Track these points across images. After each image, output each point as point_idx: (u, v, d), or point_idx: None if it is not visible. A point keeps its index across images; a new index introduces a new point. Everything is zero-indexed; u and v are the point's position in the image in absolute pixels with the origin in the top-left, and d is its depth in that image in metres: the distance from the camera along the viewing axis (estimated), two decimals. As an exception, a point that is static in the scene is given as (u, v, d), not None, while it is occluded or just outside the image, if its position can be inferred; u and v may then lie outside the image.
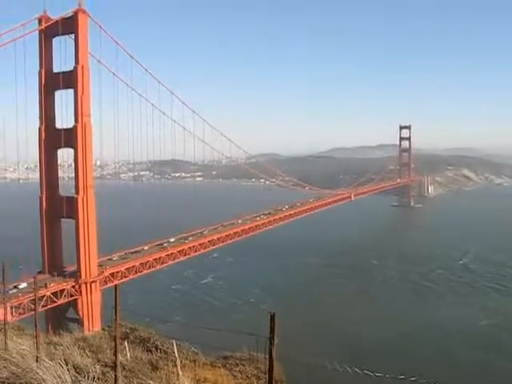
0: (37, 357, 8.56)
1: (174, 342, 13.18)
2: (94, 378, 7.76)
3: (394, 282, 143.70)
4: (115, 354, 7.86)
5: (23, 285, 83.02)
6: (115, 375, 8.02)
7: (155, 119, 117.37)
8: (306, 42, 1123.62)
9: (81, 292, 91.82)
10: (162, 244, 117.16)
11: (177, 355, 12.31)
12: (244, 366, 15.90)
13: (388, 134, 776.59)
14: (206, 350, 16.76)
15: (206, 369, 14.73)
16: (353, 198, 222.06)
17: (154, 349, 14.05)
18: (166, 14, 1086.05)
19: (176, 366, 12.20)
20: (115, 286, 7.38)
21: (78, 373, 7.87)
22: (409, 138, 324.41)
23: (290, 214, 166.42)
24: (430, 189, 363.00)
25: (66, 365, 7.93)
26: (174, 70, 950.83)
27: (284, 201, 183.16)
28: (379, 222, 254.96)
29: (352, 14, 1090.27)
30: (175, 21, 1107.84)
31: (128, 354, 11.99)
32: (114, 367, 8.13)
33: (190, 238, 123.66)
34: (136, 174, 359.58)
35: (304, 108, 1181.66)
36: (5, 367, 7.86)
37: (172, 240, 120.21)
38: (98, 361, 10.45)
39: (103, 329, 14.03)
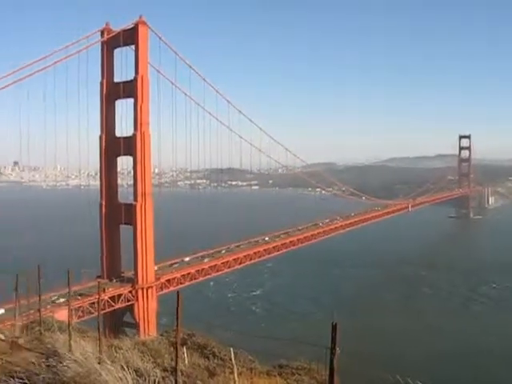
0: (99, 358, 8.73)
1: (231, 349, 13.19)
2: (154, 381, 7.87)
3: (450, 295, 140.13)
4: (176, 360, 7.91)
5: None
6: (175, 380, 8.09)
7: (212, 128, 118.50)
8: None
9: (137, 297, 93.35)
10: (219, 251, 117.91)
11: (234, 362, 12.31)
12: (300, 375, 15.76)
13: (447, 143, 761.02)
14: (262, 358, 16.72)
15: (262, 377, 14.68)
16: (410, 209, 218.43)
17: (211, 355, 14.13)
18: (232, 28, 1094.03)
19: (233, 373, 12.22)
20: (177, 292, 7.45)
21: (138, 376, 8.01)
22: (469, 148, 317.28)
23: (346, 224, 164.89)
24: (491, 200, 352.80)
25: (127, 368, 8.07)
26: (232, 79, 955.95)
27: (340, 211, 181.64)
28: (436, 233, 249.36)
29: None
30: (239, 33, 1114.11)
31: (186, 360, 12.09)
32: (175, 372, 8.20)
33: (244, 247, 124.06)
34: (193, 182, 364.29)
35: (361, 115, 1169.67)
36: (69, 367, 8.05)
37: (224, 250, 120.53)
38: (157, 365, 10.55)
39: (161, 334, 14.20)
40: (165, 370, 9.94)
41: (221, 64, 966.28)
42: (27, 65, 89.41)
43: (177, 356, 7.82)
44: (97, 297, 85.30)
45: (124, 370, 7.86)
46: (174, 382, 8.16)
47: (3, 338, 12.17)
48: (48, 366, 8.57)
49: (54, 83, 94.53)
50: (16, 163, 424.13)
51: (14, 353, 10.14)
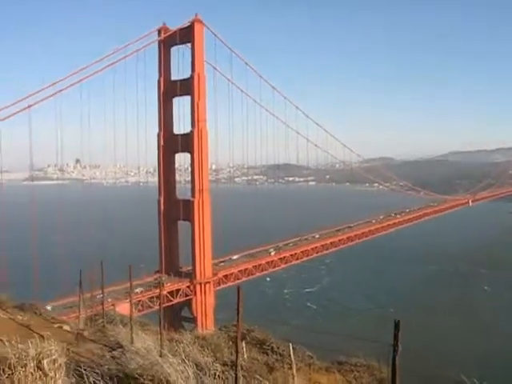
0: (160, 351, 8.89)
1: (290, 345, 13.17)
2: (214, 375, 7.96)
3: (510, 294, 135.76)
4: (236, 354, 7.97)
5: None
6: (236, 374, 8.15)
7: (269, 124, 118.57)
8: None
9: (195, 292, 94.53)
10: (277, 247, 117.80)
11: (292, 358, 12.30)
12: (359, 372, 15.60)
13: (506, 137, 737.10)
14: (319, 354, 16.63)
15: (321, 373, 14.62)
16: (470, 204, 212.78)
17: (269, 351, 14.15)
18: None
19: (291, 368, 12.21)
20: (238, 287, 7.47)
21: (198, 370, 8.12)
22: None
23: (404, 220, 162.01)
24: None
25: (188, 361, 8.19)
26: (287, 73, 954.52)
27: (398, 206, 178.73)
28: (497, 230, 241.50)
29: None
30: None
31: (245, 355, 12.16)
32: (235, 366, 8.25)
33: (302, 242, 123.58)
34: (250, 178, 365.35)
35: (419, 109, 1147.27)
36: (132, 359, 8.23)
37: (282, 244, 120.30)
38: (217, 359, 10.65)
39: (220, 329, 14.34)
40: (224, 364, 10.02)
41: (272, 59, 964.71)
42: (88, 65, 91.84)
43: (237, 351, 7.87)
44: (155, 291, 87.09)
45: (185, 363, 7.99)
46: (233, 376, 8.21)
47: (69, 329, 12.55)
48: (112, 357, 8.80)
49: (114, 82, 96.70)
50: (78, 161, 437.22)
51: (79, 344, 10.45)
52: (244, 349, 12.19)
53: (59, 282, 79.03)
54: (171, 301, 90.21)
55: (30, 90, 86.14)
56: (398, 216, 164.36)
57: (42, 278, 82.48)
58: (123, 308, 56.10)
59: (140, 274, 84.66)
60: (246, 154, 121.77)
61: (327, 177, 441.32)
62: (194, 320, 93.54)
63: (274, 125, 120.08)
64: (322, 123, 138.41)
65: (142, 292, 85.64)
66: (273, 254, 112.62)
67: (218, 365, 9.48)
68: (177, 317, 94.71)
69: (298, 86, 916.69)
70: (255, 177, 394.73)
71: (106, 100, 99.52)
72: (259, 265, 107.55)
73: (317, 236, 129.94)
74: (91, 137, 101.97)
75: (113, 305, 62.64)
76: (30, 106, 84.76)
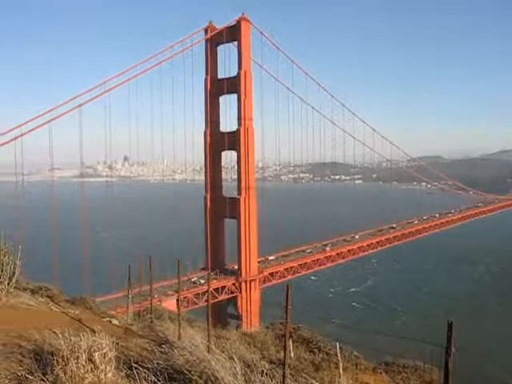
0: (208, 347, 8.92)
1: (337, 344, 13.07)
2: (262, 372, 7.95)
3: None
4: (284, 352, 7.94)
5: (194, 279, 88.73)
6: (283, 372, 8.13)
7: (315, 122, 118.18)
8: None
9: (241, 289, 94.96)
10: (324, 245, 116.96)
11: (339, 357, 12.20)
12: (407, 373, 15.35)
13: None
14: (366, 354, 16.45)
15: (368, 374, 14.46)
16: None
17: (316, 349, 14.06)
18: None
19: (338, 368, 12.11)
20: (287, 285, 7.43)
21: (246, 367, 8.12)
22: None
23: (453, 220, 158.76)
24: None
25: (235, 358, 8.21)
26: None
27: (447, 206, 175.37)
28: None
29: None
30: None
31: (292, 353, 12.12)
32: (283, 364, 8.23)
33: (347, 241, 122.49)
34: (296, 176, 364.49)
35: (468, 107, 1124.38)
36: (181, 355, 8.29)
37: (329, 245, 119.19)
38: (263, 357, 10.65)
39: (267, 327, 14.34)
40: (271, 362, 10.00)
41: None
42: (135, 65, 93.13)
43: (285, 348, 7.84)
44: (201, 288, 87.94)
45: (232, 359, 8.01)
46: (281, 374, 8.18)
47: (118, 324, 12.75)
48: (161, 352, 8.89)
49: (161, 81, 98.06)
50: (126, 158, 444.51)
51: (128, 338, 10.59)
52: (291, 347, 12.15)
53: (108, 276, 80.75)
54: (217, 298, 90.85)
55: (82, 89, 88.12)
56: (448, 215, 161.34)
57: (91, 273, 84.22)
58: (169, 304, 56.73)
59: (186, 270, 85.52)
60: (293, 152, 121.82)
61: (374, 175, 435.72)
62: (238, 317, 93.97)
63: (320, 123, 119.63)
64: (370, 121, 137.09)
65: (188, 289, 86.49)
66: (328, 249, 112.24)
67: (264, 362, 9.49)
68: (222, 314, 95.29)
69: (344, 85, 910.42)
70: (301, 175, 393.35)
71: (153, 99, 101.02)
72: (305, 263, 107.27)
73: (356, 237, 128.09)
74: (139, 135, 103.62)
75: (159, 301, 63.44)
76: (80, 105, 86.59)
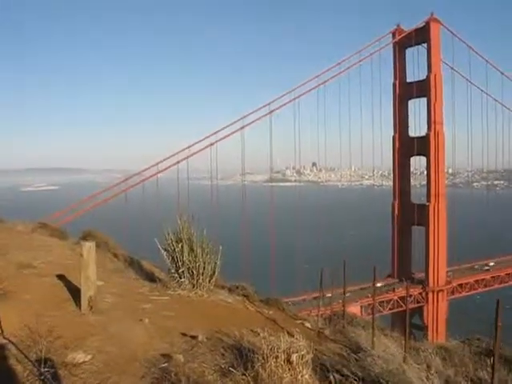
0: (404, 358, 8.73)
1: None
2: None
3: None
4: (492, 372, 7.45)
5: (378, 284, 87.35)
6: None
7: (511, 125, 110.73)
8: None
9: (427, 300, 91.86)
10: None
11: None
12: None
13: None
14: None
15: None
16: None
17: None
18: None
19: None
20: (497, 300, 7.00)
21: (445, 382, 7.80)
22: None
23: None
24: None
25: (431, 372, 7.94)
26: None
27: None
28: None
29: None
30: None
31: (495, 374, 11.37)
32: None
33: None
34: (489, 183, 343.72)
35: None
36: (376, 364, 8.21)
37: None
38: (459, 373, 10.15)
39: (463, 341, 13.58)
40: (471, 380, 9.50)
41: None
42: (323, 71, 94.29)
43: (493, 368, 7.36)
44: (386, 295, 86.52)
45: (429, 373, 7.74)
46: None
47: (310, 327, 12.97)
48: (356, 359, 8.86)
49: (349, 86, 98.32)
50: (314, 164, 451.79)
51: (321, 342, 10.73)
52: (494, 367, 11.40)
53: (294, 278, 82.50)
54: (401, 307, 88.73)
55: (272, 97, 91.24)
56: None
57: (277, 274, 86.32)
58: (352, 309, 56.56)
59: (371, 276, 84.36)
60: (486, 158, 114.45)
61: None
62: (424, 328, 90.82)
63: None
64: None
65: (379, 294, 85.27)
66: None
67: (461, 379, 9.05)
68: (407, 324, 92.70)
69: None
70: (495, 182, 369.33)
71: (341, 104, 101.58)
72: (498, 276, 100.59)
73: None
74: (327, 140, 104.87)
75: (343, 306, 63.50)
76: (271, 112, 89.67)
